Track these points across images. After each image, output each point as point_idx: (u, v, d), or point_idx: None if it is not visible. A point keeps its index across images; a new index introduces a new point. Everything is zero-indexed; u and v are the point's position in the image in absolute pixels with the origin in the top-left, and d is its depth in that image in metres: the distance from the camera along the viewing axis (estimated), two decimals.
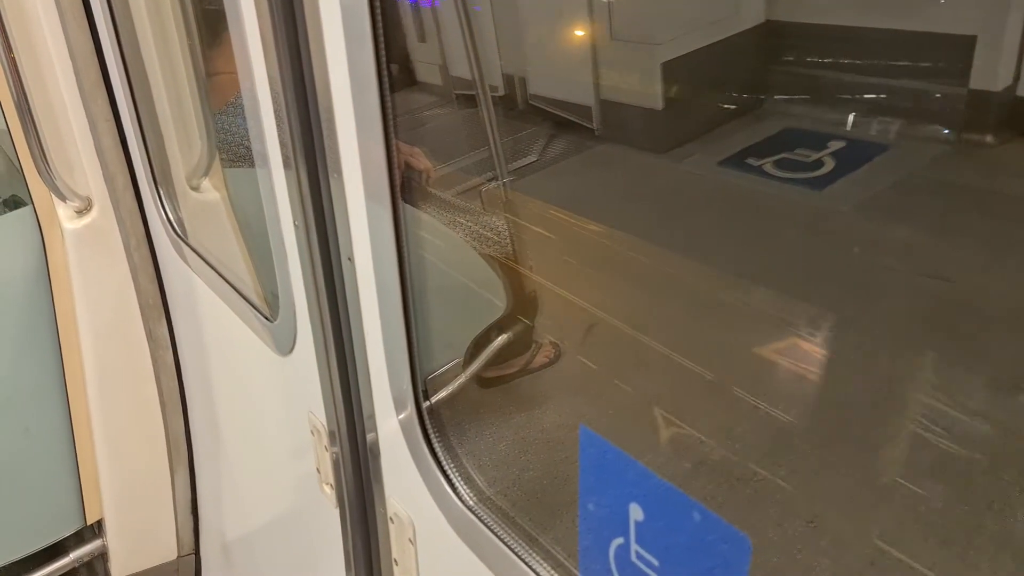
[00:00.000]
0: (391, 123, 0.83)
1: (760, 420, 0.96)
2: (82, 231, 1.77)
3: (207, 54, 1.57)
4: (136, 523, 2.09)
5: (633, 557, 0.69)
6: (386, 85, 0.81)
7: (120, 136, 1.69)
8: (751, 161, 1.12)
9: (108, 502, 2.04)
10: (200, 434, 1.99)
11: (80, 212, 1.76)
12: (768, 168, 1.11)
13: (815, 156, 1.06)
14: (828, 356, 0.96)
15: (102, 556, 2.18)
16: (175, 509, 2.09)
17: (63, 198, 1.71)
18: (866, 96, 1.00)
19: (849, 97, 1.01)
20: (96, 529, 2.16)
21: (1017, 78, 0.86)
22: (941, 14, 0.91)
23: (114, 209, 1.76)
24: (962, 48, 0.88)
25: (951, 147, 0.95)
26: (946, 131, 0.95)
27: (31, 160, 1.65)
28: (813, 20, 1.04)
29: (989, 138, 0.92)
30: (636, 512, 0.66)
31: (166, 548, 2.15)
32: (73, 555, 2.14)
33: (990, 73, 0.87)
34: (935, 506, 0.84)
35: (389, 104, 0.82)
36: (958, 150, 0.95)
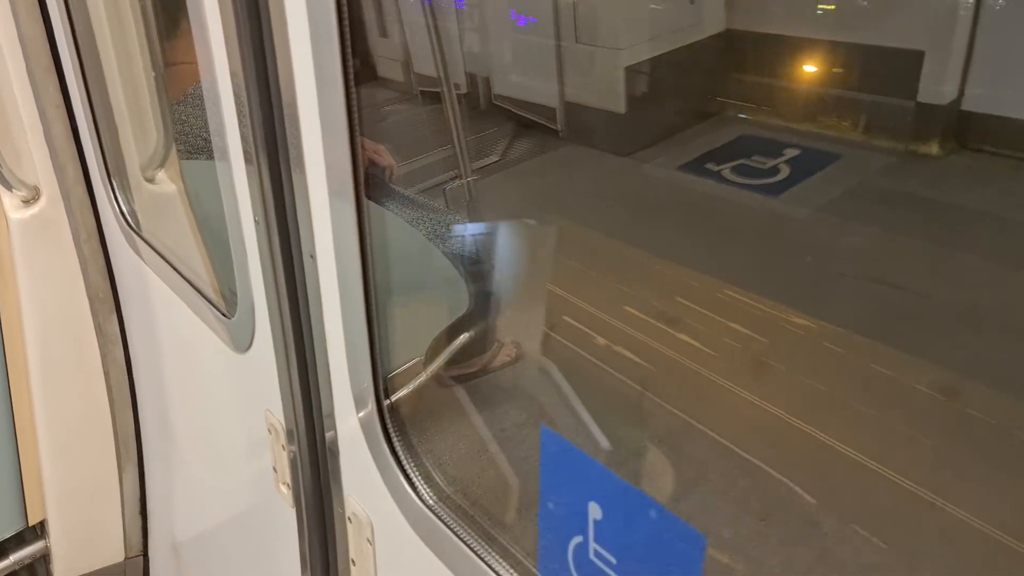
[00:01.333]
0: (356, 119, 0.83)
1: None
2: (29, 221, 1.71)
3: (165, 42, 1.53)
4: (81, 524, 2.02)
5: (591, 555, 0.70)
6: (351, 80, 0.80)
7: (71, 124, 1.64)
8: (710, 166, 1.15)
9: (52, 502, 1.97)
10: (150, 432, 1.95)
11: (27, 202, 1.70)
12: (726, 174, 1.14)
13: (771, 163, 1.09)
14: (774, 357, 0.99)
15: (44, 558, 2.10)
16: (123, 509, 2.04)
17: (9, 187, 1.65)
18: (820, 106, 1.03)
19: (804, 106, 1.04)
20: (39, 530, 2.08)
21: (961, 93, 0.90)
22: (892, 30, 0.94)
23: (64, 199, 1.70)
24: (911, 63, 0.92)
25: (899, 157, 0.99)
26: (895, 142, 0.99)
27: None
28: (772, 31, 1.07)
29: (935, 149, 0.96)
30: (595, 511, 0.67)
31: (113, 549, 2.09)
32: (13, 557, 2.06)
33: (936, 87, 0.91)
34: None
35: (354, 99, 0.82)
36: (906, 160, 0.99)
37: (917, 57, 0.91)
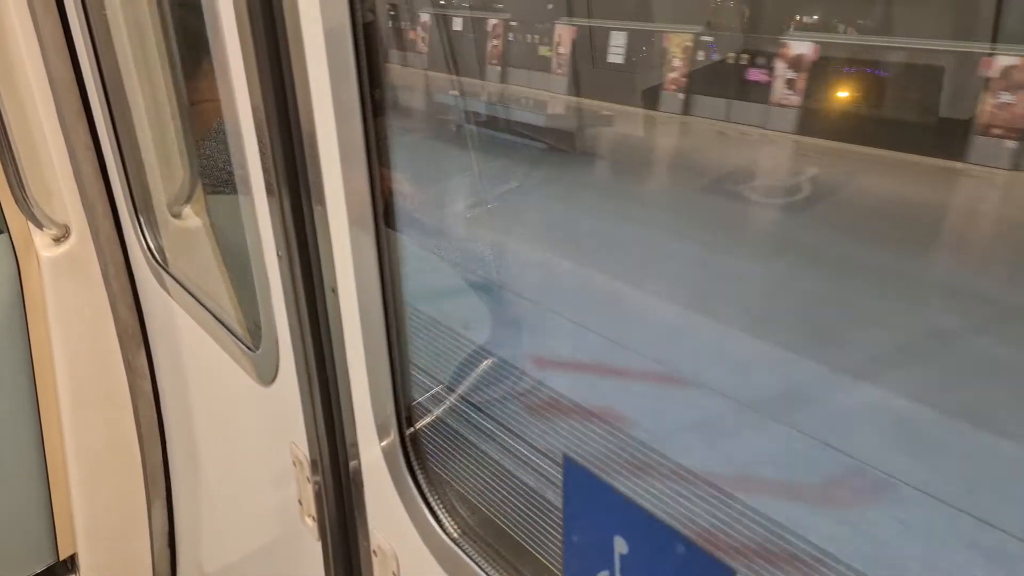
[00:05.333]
0: (374, 152, 0.83)
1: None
2: (59, 259, 1.74)
3: (189, 81, 1.57)
4: (111, 557, 2.03)
5: None
6: (370, 114, 0.81)
7: (100, 163, 1.67)
8: (730, 186, 1.14)
9: (82, 536, 1.99)
10: (178, 465, 1.96)
11: (58, 240, 1.74)
12: (747, 192, 1.12)
13: (793, 181, 1.08)
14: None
15: None
16: (152, 542, 2.04)
17: (40, 225, 1.69)
18: (841, 123, 1.01)
19: (825, 124, 1.03)
20: (69, 564, 2.10)
21: (982, 108, 0.88)
22: (912, 47, 0.93)
23: (93, 237, 1.74)
24: (932, 79, 0.90)
25: (923, 171, 0.97)
26: (918, 156, 0.98)
27: (8, 187, 1.63)
28: (789, 51, 1.06)
29: (958, 164, 0.94)
30: (620, 545, 0.66)
31: None
32: None
33: (958, 103, 0.90)
34: None
35: (373, 133, 0.82)
36: (929, 175, 0.97)
37: (937, 73, 0.90)
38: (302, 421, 1.10)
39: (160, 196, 1.64)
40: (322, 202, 0.90)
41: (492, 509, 0.94)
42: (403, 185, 1.12)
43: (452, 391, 1.05)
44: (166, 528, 2.04)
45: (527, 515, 0.98)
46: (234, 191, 1.11)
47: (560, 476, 0.73)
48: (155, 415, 1.92)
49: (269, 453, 1.31)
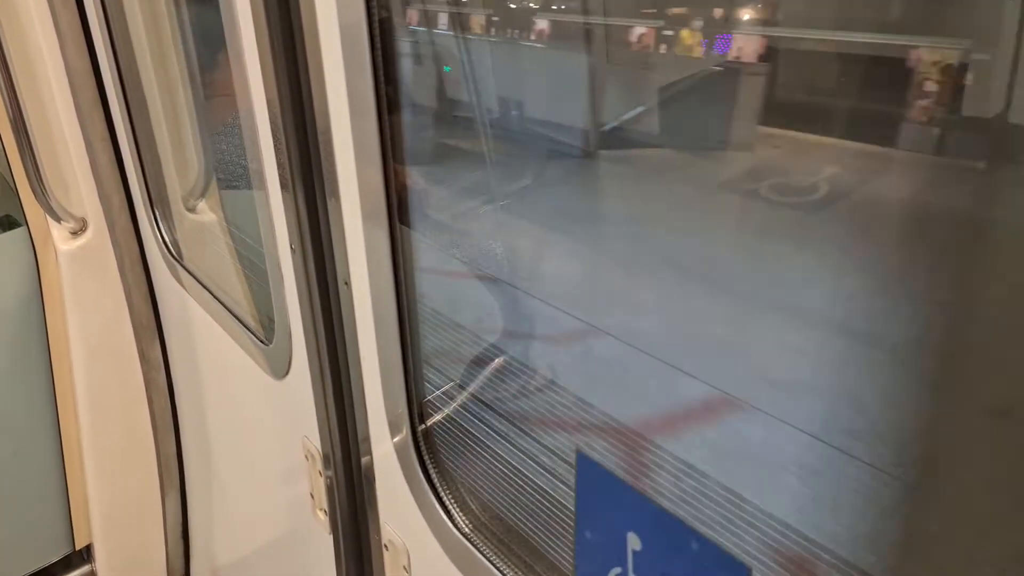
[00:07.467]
0: (389, 147, 0.83)
1: None
2: (76, 252, 1.76)
3: (206, 75, 1.58)
4: (126, 548, 2.05)
5: None
6: (384, 110, 0.81)
7: (116, 157, 1.69)
8: (747, 184, 1.13)
9: (97, 526, 2.01)
10: (192, 457, 1.97)
11: (75, 233, 1.75)
12: (765, 191, 1.11)
13: (810, 180, 1.07)
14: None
15: None
16: (165, 534, 2.06)
17: (58, 219, 1.71)
18: (860, 121, 1.00)
19: (842, 122, 1.02)
20: (85, 554, 2.12)
21: (1008, 105, 0.87)
22: (933, 40, 0.92)
23: (109, 230, 1.75)
24: (954, 75, 0.89)
25: (945, 172, 0.96)
26: (940, 157, 0.96)
27: (26, 181, 1.64)
28: (804, 46, 1.05)
29: (982, 164, 0.93)
30: (634, 541, 0.66)
31: (156, 573, 2.11)
32: None
33: (982, 100, 0.88)
34: None
35: (387, 129, 0.82)
36: (951, 176, 0.95)
37: (960, 69, 0.89)
38: (314, 415, 1.11)
39: (175, 190, 1.65)
40: (336, 196, 0.90)
41: (503, 505, 0.94)
42: (416, 180, 1.12)
43: (464, 388, 1.05)
44: (180, 519, 2.06)
45: (539, 511, 0.98)
46: (248, 186, 1.11)
47: (572, 473, 0.73)
48: (169, 406, 1.94)
49: (281, 447, 1.32)
